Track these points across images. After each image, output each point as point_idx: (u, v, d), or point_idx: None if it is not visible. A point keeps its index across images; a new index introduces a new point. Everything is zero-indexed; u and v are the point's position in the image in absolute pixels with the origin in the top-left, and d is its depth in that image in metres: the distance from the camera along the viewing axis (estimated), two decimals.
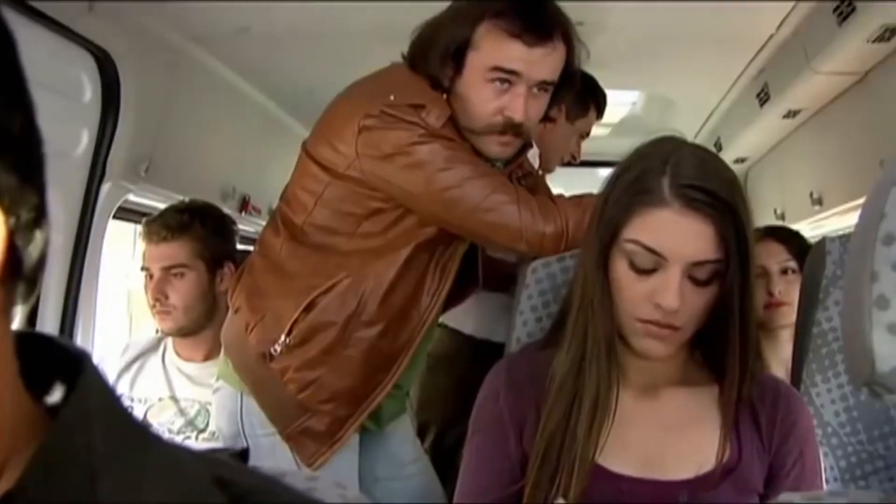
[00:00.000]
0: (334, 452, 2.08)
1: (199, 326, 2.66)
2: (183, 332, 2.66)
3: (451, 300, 2.24)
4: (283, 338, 2.02)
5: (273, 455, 2.09)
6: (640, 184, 1.41)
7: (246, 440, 2.12)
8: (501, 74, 1.92)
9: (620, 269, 1.44)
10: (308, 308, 2.02)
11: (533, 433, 1.52)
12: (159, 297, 2.60)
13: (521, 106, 1.93)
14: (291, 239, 2.08)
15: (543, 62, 1.93)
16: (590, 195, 1.93)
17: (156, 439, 0.59)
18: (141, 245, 2.69)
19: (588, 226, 1.56)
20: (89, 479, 0.52)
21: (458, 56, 1.96)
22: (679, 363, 1.57)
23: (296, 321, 2.02)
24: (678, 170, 1.38)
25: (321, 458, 2.07)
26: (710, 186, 1.37)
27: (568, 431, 1.47)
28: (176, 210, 2.70)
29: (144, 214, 3.12)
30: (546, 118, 2.16)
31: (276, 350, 2.03)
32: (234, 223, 2.87)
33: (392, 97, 1.93)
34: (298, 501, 0.63)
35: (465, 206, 1.92)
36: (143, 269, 2.66)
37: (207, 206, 2.82)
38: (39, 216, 0.55)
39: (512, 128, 1.96)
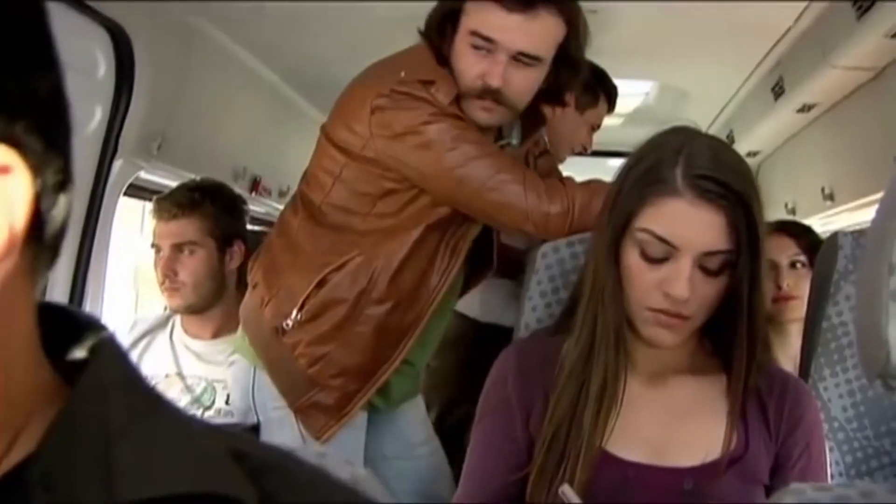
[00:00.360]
0: (342, 426, 2.12)
1: (207, 304, 2.67)
2: (191, 310, 2.67)
3: (467, 284, 2.29)
4: (295, 313, 2.07)
5: (282, 428, 2.14)
6: (653, 173, 1.42)
7: (257, 413, 2.18)
8: (479, 41, 1.95)
9: (632, 257, 1.44)
10: (320, 284, 2.06)
11: (540, 419, 1.52)
12: (168, 274, 2.61)
13: (497, 73, 1.95)
14: (309, 218, 2.13)
15: (522, 31, 1.94)
16: (598, 181, 1.96)
17: (172, 410, 0.59)
18: (151, 222, 2.69)
19: (600, 214, 1.56)
20: (105, 449, 0.52)
21: (453, 22, 2.00)
22: (688, 352, 1.57)
23: (308, 297, 2.07)
24: (691, 160, 1.39)
25: (329, 431, 2.11)
26: (723, 177, 1.37)
27: (575, 418, 1.47)
28: (187, 188, 2.71)
29: (154, 192, 3.13)
30: (557, 101, 2.19)
31: (288, 325, 2.08)
32: (244, 203, 2.88)
33: (403, 74, 1.98)
34: (315, 476, 0.63)
35: (472, 186, 1.95)
36: (152, 245, 2.66)
37: (218, 184, 2.83)
38: (64, 180, 0.55)
39: (489, 93, 1.98)
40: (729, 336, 1.49)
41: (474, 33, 1.95)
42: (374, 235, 2.06)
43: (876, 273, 0.84)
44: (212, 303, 2.68)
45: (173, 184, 2.89)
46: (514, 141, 2.19)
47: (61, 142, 0.55)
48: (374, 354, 2.11)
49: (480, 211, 2.02)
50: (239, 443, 0.60)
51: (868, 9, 2.37)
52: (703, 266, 1.40)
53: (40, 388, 0.56)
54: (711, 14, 2.82)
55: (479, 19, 1.95)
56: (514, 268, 2.32)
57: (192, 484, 0.53)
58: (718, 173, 1.37)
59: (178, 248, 2.62)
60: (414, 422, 2.45)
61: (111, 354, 0.58)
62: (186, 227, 2.63)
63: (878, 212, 0.89)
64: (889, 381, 0.84)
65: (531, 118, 2.23)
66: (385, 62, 2.09)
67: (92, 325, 0.60)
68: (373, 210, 2.06)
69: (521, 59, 1.96)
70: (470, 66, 1.98)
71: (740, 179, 1.39)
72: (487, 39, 1.94)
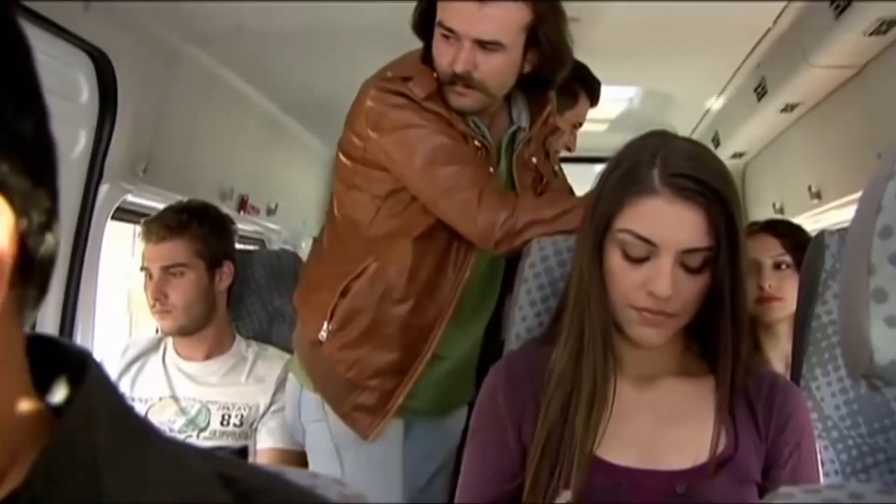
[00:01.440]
0: (388, 421, 2.20)
1: (199, 325, 2.67)
2: (183, 332, 2.67)
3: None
4: (326, 324, 2.17)
5: (319, 438, 2.26)
6: (631, 175, 1.44)
7: (302, 425, 2.29)
8: (445, 31, 2.04)
9: (614, 259, 1.46)
10: (343, 294, 2.16)
11: (532, 428, 1.53)
12: (159, 297, 2.61)
13: (462, 58, 2.02)
14: (332, 232, 2.25)
15: (476, 19, 2.01)
16: (566, 195, 2.00)
17: (160, 438, 0.59)
18: (140, 245, 2.68)
19: (582, 219, 1.58)
20: (94, 478, 0.52)
21: (431, 18, 2.08)
22: (676, 354, 1.58)
23: (335, 307, 2.16)
24: (668, 160, 1.41)
25: (376, 428, 2.20)
26: (700, 175, 1.39)
27: (567, 423, 1.48)
28: (174, 210, 2.70)
29: (144, 215, 3.13)
30: (551, 86, 2.28)
31: (323, 336, 2.18)
32: (232, 223, 2.88)
33: (389, 73, 2.09)
34: (303, 497, 0.63)
35: (435, 191, 2.04)
36: (142, 269, 2.66)
37: (206, 205, 2.82)
38: (51, 219, 0.55)
39: (458, 78, 2.05)
40: (714, 336, 1.50)
41: (440, 24, 2.04)
42: (385, 240, 2.14)
43: (856, 273, 0.85)
44: (203, 324, 2.68)
45: (162, 206, 2.89)
46: (524, 125, 2.24)
47: (47, 180, 0.55)
48: (404, 352, 2.18)
49: (443, 215, 2.08)
50: (227, 467, 0.60)
51: (845, 8, 2.39)
52: (684, 264, 1.42)
53: (30, 422, 0.56)
54: (692, 18, 2.83)
55: (443, 11, 2.04)
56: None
57: None
58: (695, 171, 1.39)
59: (167, 270, 2.62)
60: (445, 437, 2.50)
61: (98, 383, 0.57)
62: (175, 250, 2.63)
63: (857, 212, 0.89)
64: (873, 380, 0.84)
65: (537, 103, 2.29)
66: (385, 67, 2.17)
67: (78, 355, 0.60)
68: (378, 213, 2.14)
69: (484, 45, 2.02)
70: (441, 55, 2.06)
71: (717, 177, 1.41)
72: (450, 29, 2.02)
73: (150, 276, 2.63)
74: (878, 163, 0.88)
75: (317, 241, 2.38)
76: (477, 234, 2.01)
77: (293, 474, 0.70)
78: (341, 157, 2.20)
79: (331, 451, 2.22)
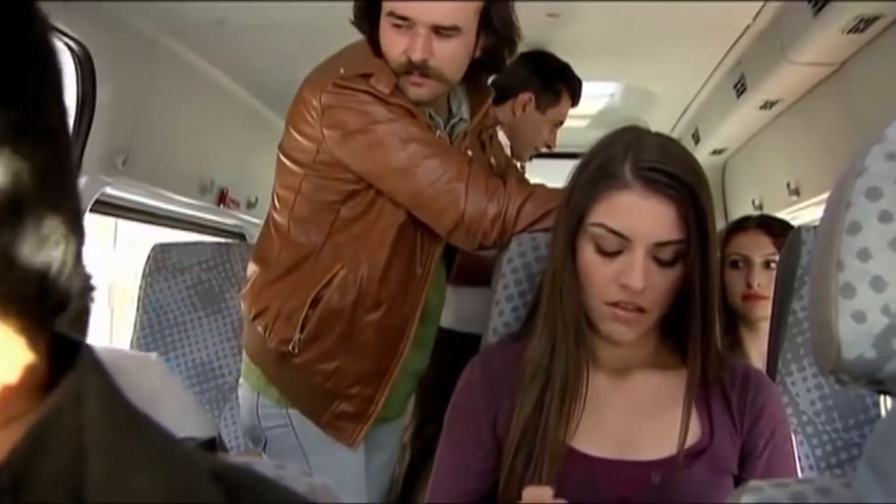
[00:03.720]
0: (370, 427, 2.17)
1: None
2: None
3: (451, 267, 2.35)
4: (297, 335, 2.10)
5: (282, 443, 2.20)
6: (603, 169, 1.46)
7: (263, 433, 2.23)
8: (397, 20, 2.00)
9: (587, 253, 1.47)
10: (314, 303, 2.09)
11: (506, 423, 1.54)
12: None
13: (418, 46, 1.99)
14: (284, 241, 2.16)
15: (433, 5, 1.99)
16: (542, 186, 2.01)
17: (151, 425, 0.59)
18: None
19: (556, 215, 1.60)
20: (79, 460, 0.52)
21: (376, 8, 2.05)
22: (650, 347, 1.59)
23: (306, 318, 2.10)
24: (639, 154, 1.43)
25: (360, 434, 2.17)
26: (671, 169, 1.41)
27: (542, 417, 1.49)
28: None
29: (124, 208, 3.12)
30: (497, 70, 2.25)
31: (294, 348, 2.11)
32: None
33: (342, 71, 2.02)
34: (283, 494, 0.63)
35: (416, 186, 1.99)
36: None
37: None
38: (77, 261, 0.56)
39: (415, 67, 2.02)
40: (686, 328, 1.51)
41: (391, 14, 2.00)
42: (351, 245, 2.09)
43: (825, 269, 0.86)
44: None
45: (143, 199, 2.87)
46: (465, 117, 2.22)
47: (74, 222, 0.57)
48: (382, 355, 2.15)
49: (422, 212, 2.04)
50: (213, 461, 0.60)
51: (822, 6, 2.40)
52: (656, 257, 1.43)
53: (27, 396, 0.56)
54: (672, 14, 2.84)
55: (393, 1, 2.01)
56: (486, 275, 2.33)
57: (170, 498, 0.53)
58: (666, 165, 1.41)
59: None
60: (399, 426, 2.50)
61: (88, 367, 0.57)
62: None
63: (826, 208, 0.90)
64: (841, 375, 0.85)
65: (476, 92, 2.26)
66: (324, 65, 2.12)
67: (71, 341, 0.60)
68: (338, 216, 2.09)
69: (440, 31, 2.00)
70: (393, 44, 2.02)
71: (688, 171, 1.43)
72: (403, 17, 1.99)
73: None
74: (848, 160, 0.89)
75: (261, 250, 2.26)
76: (464, 226, 1.97)
77: (261, 465, 0.70)
78: (287, 162, 2.13)
79: (297, 455, 2.17)
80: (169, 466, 0.56)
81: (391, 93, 2.00)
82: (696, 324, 1.49)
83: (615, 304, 1.46)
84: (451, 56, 2.04)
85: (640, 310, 1.46)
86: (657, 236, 1.42)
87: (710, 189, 1.46)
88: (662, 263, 1.44)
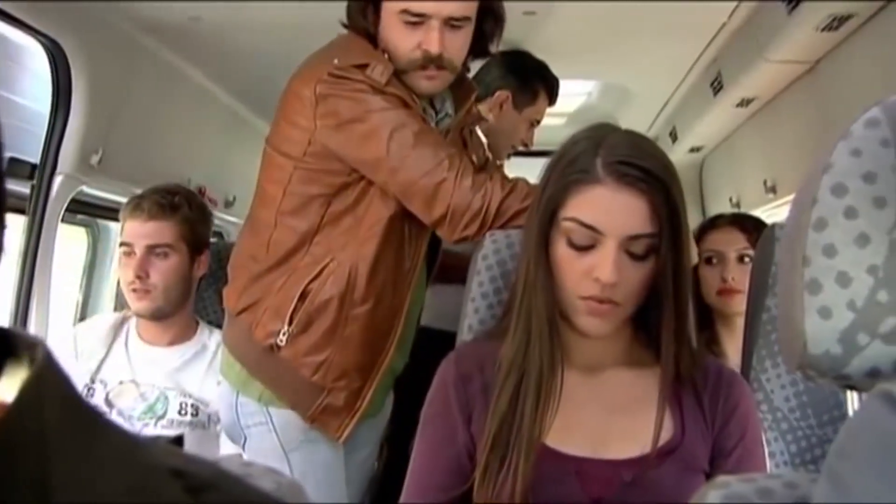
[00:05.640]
0: (357, 421, 2.17)
1: (172, 310, 2.65)
2: (158, 314, 2.64)
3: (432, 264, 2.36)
4: (285, 328, 2.10)
5: (262, 441, 2.19)
6: (574, 165, 1.46)
7: (242, 430, 2.22)
8: (410, 17, 2.02)
9: (560, 248, 1.48)
10: (302, 296, 2.09)
11: (481, 421, 1.54)
12: (141, 275, 2.57)
13: (435, 39, 2.02)
14: (271, 235, 2.15)
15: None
16: (524, 180, 2.01)
17: (111, 427, 0.58)
18: (124, 220, 2.65)
19: (529, 210, 1.61)
20: (42, 466, 0.52)
21: (375, 6, 2.08)
22: (624, 344, 1.59)
23: (294, 310, 2.10)
24: (610, 149, 1.44)
25: (346, 429, 2.17)
26: (642, 163, 1.42)
27: (516, 413, 1.49)
28: (166, 190, 2.68)
29: (100, 207, 3.11)
30: (485, 54, 2.25)
31: (281, 341, 2.11)
32: (211, 212, 2.88)
33: (336, 61, 2.03)
34: (245, 490, 0.63)
35: (408, 176, 2.00)
36: (122, 244, 2.63)
37: (191, 191, 2.82)
38: None
39: (431, 61, 2.05)
40: (658, 324, 1.52)
41: (405, 11, 2.02)
42: (340, 238, 2.10)
43: (792, 265, 0.86)
44: (176, 309, 2.67)
45: (117, 198, 2.86)
46: (450, 112, 2.24)
47: None
48: (370, 349, 2.15)
49: (412, 202, 2.05)
50: (177, 459, 0.60)
51: (797, 4, 2.41)
52: (628, 251, 1.44)
53: None
54: (649, 12, 2.85)
55: None
56: (463, 273, 2.33)
57: (132, 500, 0.53)
58: (637, 159, 1.42)
59: (152, 249, 2.59)
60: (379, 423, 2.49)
61: (47, 371, 0.57)
62: (164, 230, 2.61)
63: (793, 204, 0.90)
64: (807, 371, 0.86)
65: (459, 88, 2.28)
66: (316, 56, 2.12)
67: (28, 343, 0.59)
68: (328, 210, 2.09)
69: (452, 22, 2.03)
70: (405, 39, 2.04)
71: (659, 165, 1.44)
72: (419, 14, 2.01)
73: (131, 253, 2.61)
74: (815, 156, 0.90)
75: (243, 246, 2.27)
76: (448, 217, 1.99)
77: (227, 462, 0.70)
78: (276, 156, 2.14)
79: (277, 453, 2.17)
80: (130, 467, 0.56)
81: (387, 83, 2.01)
82: (669, 319, 1.49)
83: (588, 298, 1.47)
84: (462, 46, 2.09)
85: (614, 303, 1.47)
86: (629, 230, 1.43)
87: (681, 184, 1.47)
88: (635, 257, 1.44)
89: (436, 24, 2.01)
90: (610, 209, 1.43)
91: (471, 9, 2.06)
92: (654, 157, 1.46)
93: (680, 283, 1.48)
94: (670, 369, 1.51)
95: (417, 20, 2.01)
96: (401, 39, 2.04)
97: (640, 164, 1.42)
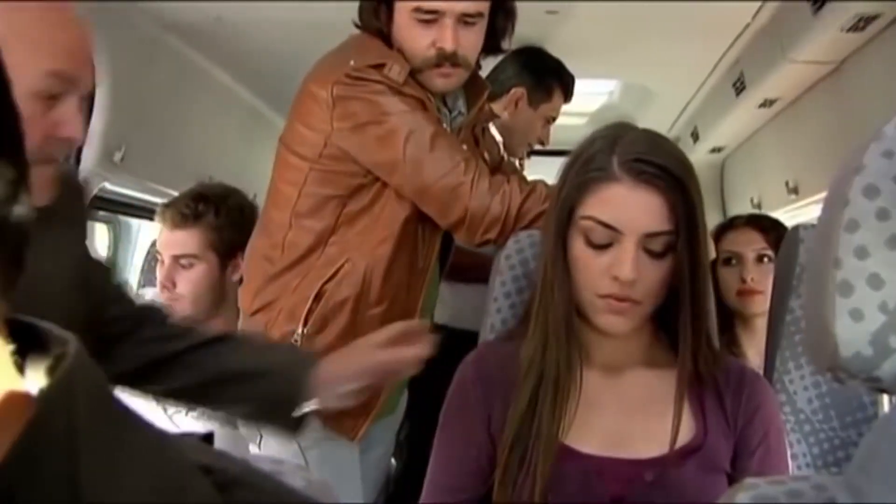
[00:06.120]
0: (371, 421, 2.16)
1: (206, 316, 2.60)
2: (191, 321, 2.62)
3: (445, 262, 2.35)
4: (300, 328, 2.09)
5: (282, 440, 2.16)
6: (591, 163, 1.46)
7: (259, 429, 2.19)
8: (424, 14, 2.02)
9: (578, 247, 1.48)
10: (318, 297, 2.09)
11: (501, 421, 1.54)
12: (167, 285, 2.55)
13: (449, 36, 2.02)
14: (286, 236, 2.14)
15: None
16: (543, 183, 2.01)
17: (141, 423, 0.58)
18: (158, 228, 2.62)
19: (547, 210, 1.61)
20: (72, 461, 0.52)
21: (387, 5, 2.07)
22: (644, 344, 1.59)
23: (309, 311, 2.09)
24: (627, 147, 1.44)
25: (361, 429, 2.16)
26: (659, 160, 1.42)
27: (536, 413, 1.49)
28: (191, 196, 2.61)
29: (122, 203, 3.11)
30: (497, 51, 2.25)
31: (296, 341, 2.09)
32: (255, 210, 2.71)
33: (352, 62, 2.02)
34: (276, 487, 0.63)
35: (425, 178, 2.00)
36: (155, 251, 2.61)
37: (227, 192, 2.71)
38: (17, 190, 0.54)
39: (446, 58, 2.05)
40: (676, 323, 1.51)
41: (418, 9, 2.02)
42: (355, 239, 2.09)
43: (823, 267, 0.86)
44: (211, 315, 2.60)
45: (139, 195, 2.86)
46: (462, 110, 2.25)
47: (10, 152, 0.54)
48: None
49: (428, 205, 2.05)
50: (206, 456, 0.60)
51: (823, 4, 2.40)
52: (647, 248, 1.44)
53: (11, 402, 0.55)
54: (672, 12, 2.84)
55: None
56: (483, 272, 2.33)
57: (160, 497, 0.53)
58: (653, 157, 1.42)
59: (177, 259, 2.55)
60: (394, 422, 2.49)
61: (78, 366, 0.57)
62: (187, 240, 2.55)
63: (825, 205, 0.90)
64: (838, 373, 0.85)
65: (472, 86, 2.27)
66: (329, 57, 2.12)
67: (58, 338, 0.59)
68: (343, 211, 2.09)
69: (465, 19, 2.03)
70: (419, 37, 2.04)
71: (675, 162, 1.44)
72: (432, 11, 2.01)
73: (161, 261, 2.58)
74: (846, 156, 0.89)
75: (255, 247, 2.27)
76: (466, 222, 1.99)
77: (257, 460, 0.70)
78: (290, 156, 2.12)
79: (294, 452, 2.12)
80: (159, 464, 0.56)
81: (404, 82, 2.01)
82: (686, 317, 1.49)
83: (607, 297, 1.46)
84: (475, 43, 2.09)
85: (633, 301, 1.46)
86: (647, 227, 1.43)
87: (698, 181, 1.47)
88: (653, 255, 1.44)
89: (449, 21, 2.01)
90: (627, 207, 1.43)
91: (483, 5, 2.06)
92: (670, 154, 1.46)
93: (698, 280, 1.47)
94: (688, 366, 1.51)
95: (431, 17, 2.02)
96: (415, 38, 2.05)
97: (656, 161, 1.42)
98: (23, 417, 0.53)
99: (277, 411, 1.68)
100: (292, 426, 1.70)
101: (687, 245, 1.43)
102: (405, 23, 2.05)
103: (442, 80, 2.08)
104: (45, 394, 0.54)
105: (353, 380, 1.70)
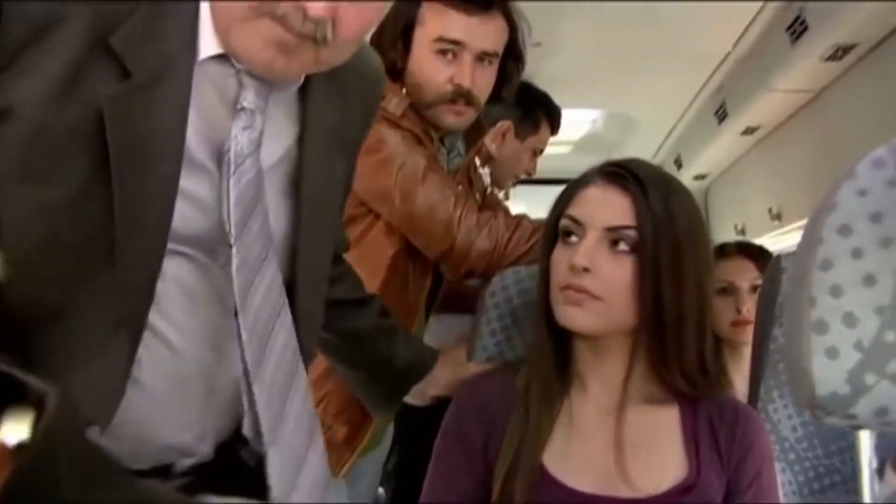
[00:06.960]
0: (357, 456, 2.13)
1: None
2: None
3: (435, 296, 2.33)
4: None
5: None
6: (579, 178, 1.54)
7: None
8: (445, 45, 2.01)
9: (556, 249, 1.52)
10: None
11: (497, 450, 1.53)
12: None
13: (468, 73, 2.00)
14: None
15: (484, 31, 2.01)
16: (527, 219, 2.02)
17: (124, 475, 0.58)
18: None
19: (542, 232, 1.63)
20: None
21: (406, 35, 2.05)
22: (640, 381, 1.57)
23: None
24: (611, 162, 1.52)
25: (347, 464, 2.13)
26: (632, 168, 1.48)
27: (523, 438, 1.50)
28: None
29: None
30: (499, 99, 2.21)
31: None
32: None
33: None
34: None
35: (415, 210, 1.99)
36: None
37: None
38: None
39: (462, 96, 2.03)
40: (660, 345, 1.50)
41: (440, 39, 2.01)
42: None
43: (798, 305, 0.86)
44: None
45: None
46: (461, 150, 2.26)
47: None
48: None
49: (416, 237, 2.04)
50: (182, 501, 0.60)
51: (801, 33, 2.42)
52: (612, 244, 1.46)
53: None
54: (653, 42, 2.86)
55: (442, 25, 2.01)
56: (470, 303, 2.33)
57: None
58: (630, 165, 1.49)
59: None
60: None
61: (60, 420, 0.57)
62: None
63: (800, 243, 0.90)
64: (816, 412, 0.85)
65: (472, 128, 2.26)
66: None
67: (37, 391, 0.59)
68: None
69: (484, 57, 2.03)
70: (437, 71, 2.02)
71: (650, 173, 1.49)
72: (454, 42, 2.00)
73: None
74: (821, 186, 0.90)
75: None
76: (453, 256, 1.99)
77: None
78: None
79: None
80: None
81: (402, 115, 2.01)
82: (672, 332, 1.48)
83: (566, 288, 1.47)
84: (489, 84, 2.07)
85: (591, 295, 1.46)
86: (608, 221, 1.46)
87: (686, 195, 1.51)
88: (617, 251, 1.46)
89: (468, 58, 2.00)
90: (595, 203, 1.48)
91: (500, 43, 2.06)
92: (648, 167, 1.51)
93: (678, 298, 1.46)
94: (677, 384, 1.51)
95: (452, 48, 2.00)
96: (433, 72, 2.03)
97: (632, 169, 1.47)
98: (3, 470, 0.53)
99: (403, 378, 1.85)
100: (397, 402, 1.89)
101: (655, 247, 1.44)
102: (424, 55, 2.04)
103: (454, 118, 2.06)
104: (29, 445, 0.54)
105: (448, 390, 1.78)
